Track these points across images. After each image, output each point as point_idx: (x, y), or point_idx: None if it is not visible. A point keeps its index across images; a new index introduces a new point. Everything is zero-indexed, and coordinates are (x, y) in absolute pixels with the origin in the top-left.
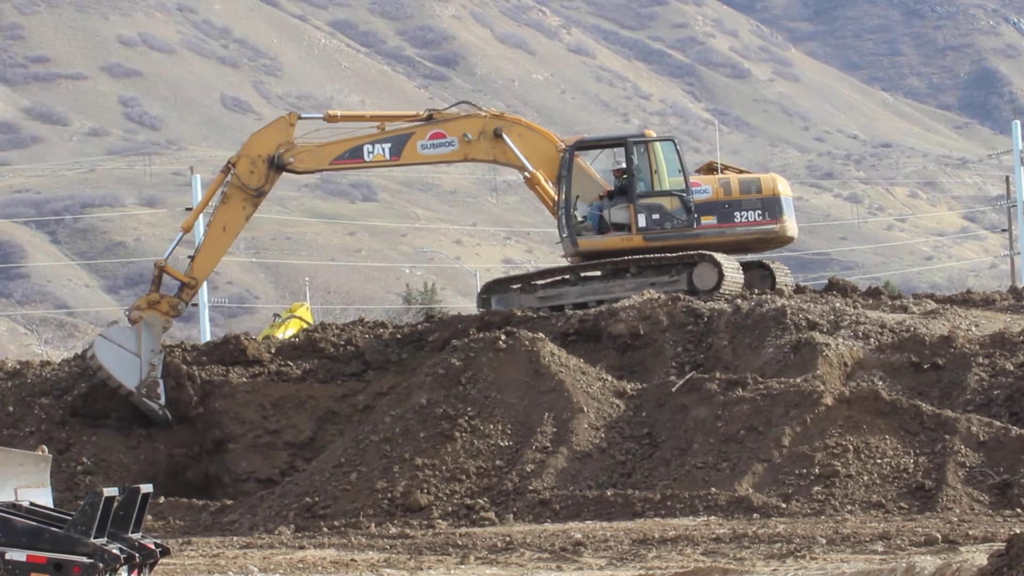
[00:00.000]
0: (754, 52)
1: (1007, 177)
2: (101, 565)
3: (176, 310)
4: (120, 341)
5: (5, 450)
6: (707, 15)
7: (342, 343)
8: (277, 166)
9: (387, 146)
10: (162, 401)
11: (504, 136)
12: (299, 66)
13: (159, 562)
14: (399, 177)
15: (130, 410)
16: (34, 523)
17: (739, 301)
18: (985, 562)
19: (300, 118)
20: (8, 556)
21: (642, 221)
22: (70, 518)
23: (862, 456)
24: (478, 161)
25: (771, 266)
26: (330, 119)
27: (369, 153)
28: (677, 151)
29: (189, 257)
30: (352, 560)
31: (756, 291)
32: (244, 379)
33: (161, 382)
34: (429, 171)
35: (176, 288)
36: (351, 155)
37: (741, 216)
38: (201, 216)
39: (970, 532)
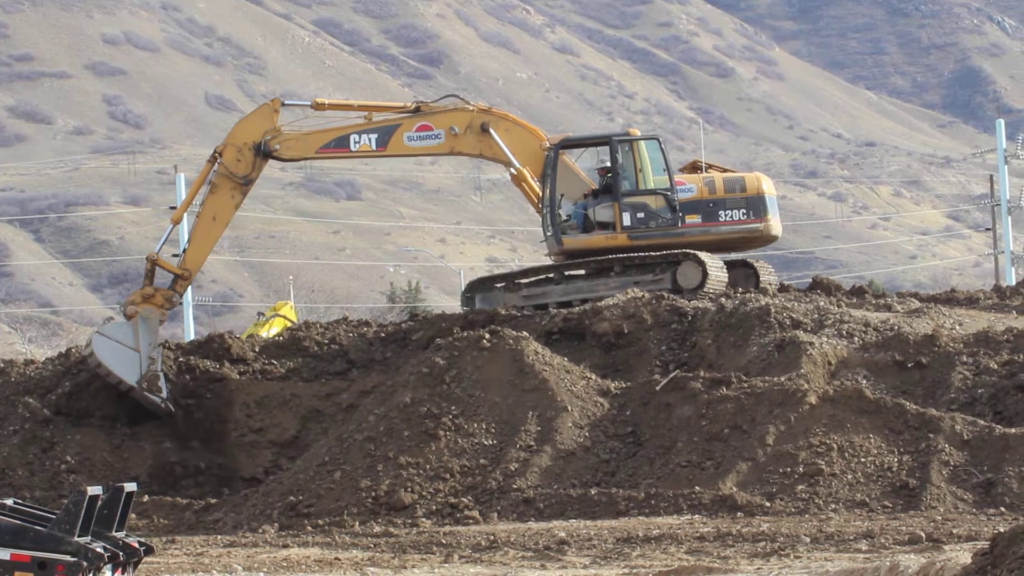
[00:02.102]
0: (738, 51)
1: (991, 176)
2: (85, 564)
3: (171, 303)
4: (117, 337)
5: None
6: (691, 14)
7: (326, 342)
8: (263, 153)
9: (373, 137)
10: (164, 394)
11: (491, 131)
12: (283, 64)
13: (143, 560)
14: (383, 176)
15: (114, 408)
16: (18, 522)
17: (723, 300)
18: (969, 561)
19: (284, 104)
20: None
21: (627, 220)
22: (54, 517)
23: (846, 455)
24: (464, 155)
25: (755, 265)
26: (317, 107)
27: (355, 143)
28: (662, 150)
29: (175, 255)
30: (336, 559)
31: (740, 290)
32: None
33: (162, 375)
34: (413, 170)
35: (168, 282)
36: (337, 144)
37: (726, 215)
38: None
39: (954, 531)
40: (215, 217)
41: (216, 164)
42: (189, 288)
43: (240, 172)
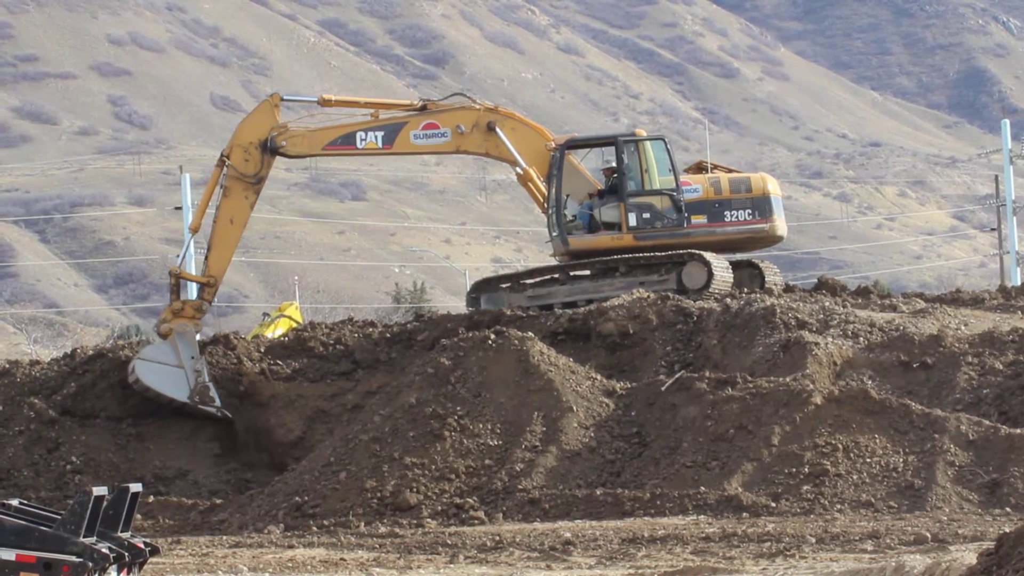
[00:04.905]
0: (743, 51)
1: (996, 176)
2: (90, 564)
3: (201, 312)
4: (159, 358)
5: None
6: (696, 14)
7: (331, 342)
8: (270, 150)
9: (380, 134)
10: (217, 403)
11: (497, 130)
12: (288, 65)
13: (148, 561)
14: (388, 176)
15: (120, 409)
16: (23, 522)
17: (728, 300)
18: (974, 561)
19: (283, 99)
20: None
21: (632, 220)
22: (60, 517)
23: (851, 455)
24: (470, 154)
25: (760, 265)
26: (324, 103)
27: (362, 140)
28: (667, 150)
29: (176, 255)
30: (341, 559)
31: (745, 290)
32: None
33: (211, 385)
34: (419, 170)
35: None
36: (343, 141)
37: (731, 215)
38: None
39: (959, 531)
40: (232, 220)
41: (224, 168)
42: (193, 289)
43: (250, 172)
